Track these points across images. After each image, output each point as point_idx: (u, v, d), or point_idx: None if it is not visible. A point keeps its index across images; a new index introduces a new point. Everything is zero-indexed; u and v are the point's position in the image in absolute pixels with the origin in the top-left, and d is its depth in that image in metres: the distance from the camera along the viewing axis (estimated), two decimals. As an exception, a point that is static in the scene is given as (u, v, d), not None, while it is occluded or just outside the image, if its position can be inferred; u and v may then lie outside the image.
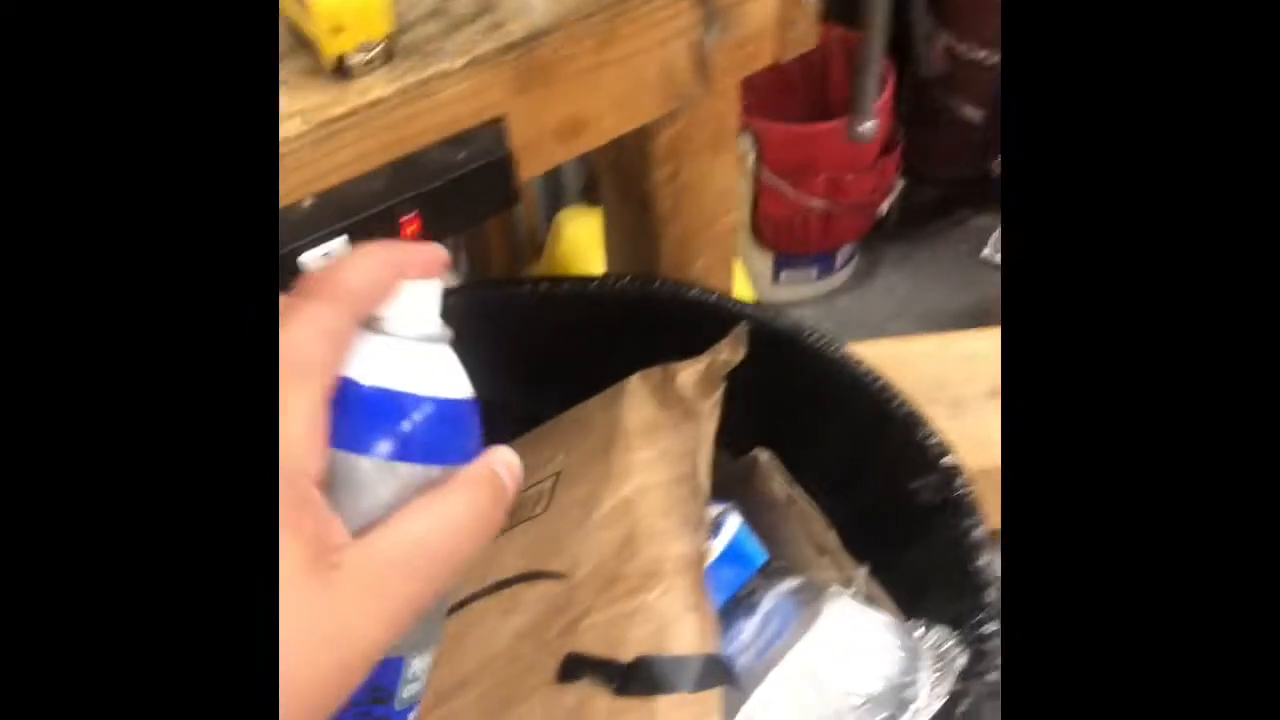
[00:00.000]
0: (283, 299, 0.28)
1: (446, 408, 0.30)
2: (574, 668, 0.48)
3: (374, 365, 0.29)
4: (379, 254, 0.30)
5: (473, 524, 0.28)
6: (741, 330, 0.66)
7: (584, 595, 0.52)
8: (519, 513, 0.62)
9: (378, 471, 0.28)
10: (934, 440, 0.62)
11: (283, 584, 0.25)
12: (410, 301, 0.30)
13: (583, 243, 1.33)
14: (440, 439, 0.29)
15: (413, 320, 0.30)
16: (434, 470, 0.29)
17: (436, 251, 0.30)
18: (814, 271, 1.62)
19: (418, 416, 0.29)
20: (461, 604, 0.57)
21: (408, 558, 0.27)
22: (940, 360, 1.19)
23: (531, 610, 0.53)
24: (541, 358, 0.74)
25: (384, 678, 0.29)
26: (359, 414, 0.28)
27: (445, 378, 0.30)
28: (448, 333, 0.31)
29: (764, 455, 0.66)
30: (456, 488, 0.28)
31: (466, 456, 0.30)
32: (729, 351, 0.66)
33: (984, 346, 1.23)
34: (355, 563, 0.26)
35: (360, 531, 0.27)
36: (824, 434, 0.69)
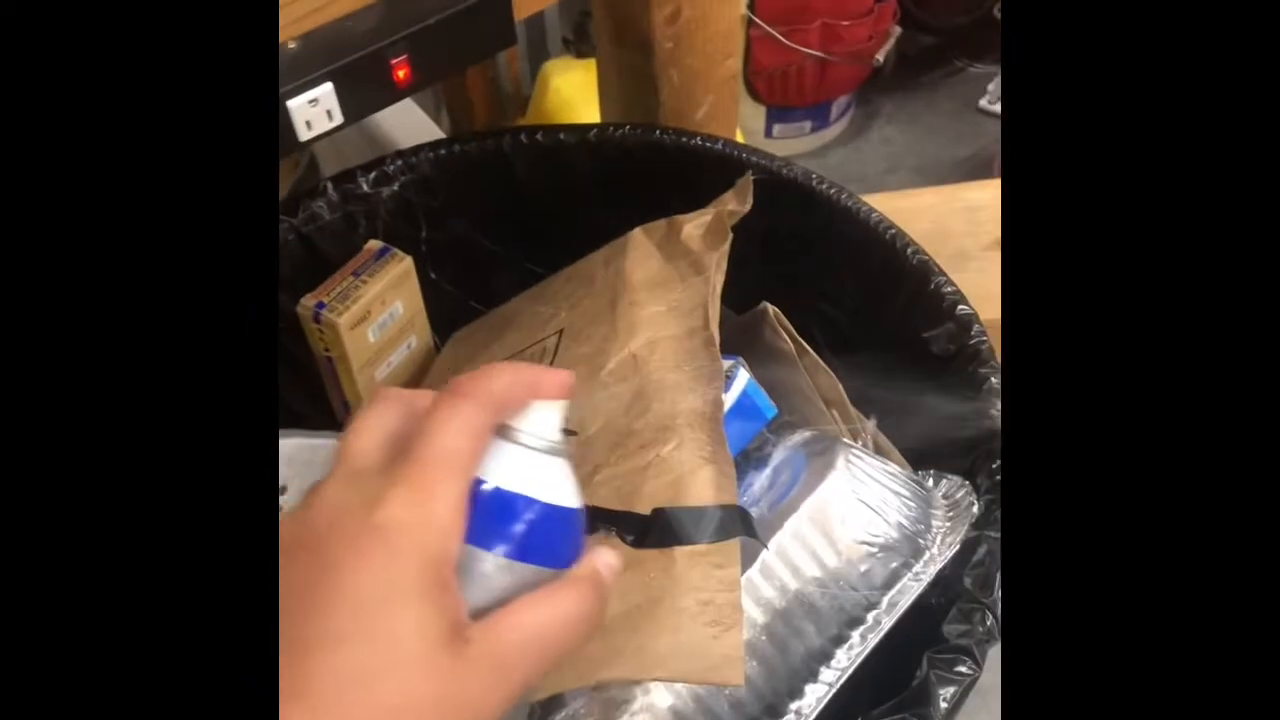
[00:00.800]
0: (436, 396, 0.32)
1: (562, 514, 0.33)
2: (589, 521, 0.47)
3: (504, 469, 0.32)
4: (520, 371, 0.33)
5: (581, 619, 0.32)
6: (748, 179, 0.64)
7: (596, 451, 0.51)
8: (523, 369, 0.61)
9: (496, 566, 0.31)
10: (948, 289, 0.60)
11: (421, 654, 0.28)
12: (539, 415, 0.33)
13: (571, 95, 1.29)
14: (554, 542, 0.33)
15: (540, 432, 0.33)
16: (545, 571, 0.32)
17: (566, 376, 0.34)
18: (808, 124, 1.58)
19: (536, 520, 0.32)
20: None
21: (526, 643, 0.30)
22: (941, 213, 1.17)
23: (541, 466, 0.52)
24: (538, 211, 0.72)
25: None
26: (486, 512, 0.32)
27: (562, 487, 0.34)
28: (567, 447, 0.34)
29: (771, 308, 0.65)
30: (568, 586, 0.32)
31: (573, 558, 0.34)
32: (735, 202, 0.63)
33: (985, 197, 1.20)
34: (484, 641, 0.29)
35: (478, 615, 0.30)
36: (832, 285, 0.67)
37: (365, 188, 0.67)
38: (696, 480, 0.46)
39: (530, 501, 0.32)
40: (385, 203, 0.68)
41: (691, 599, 0.42)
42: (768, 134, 1.58)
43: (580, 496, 0.34)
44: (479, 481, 0.32)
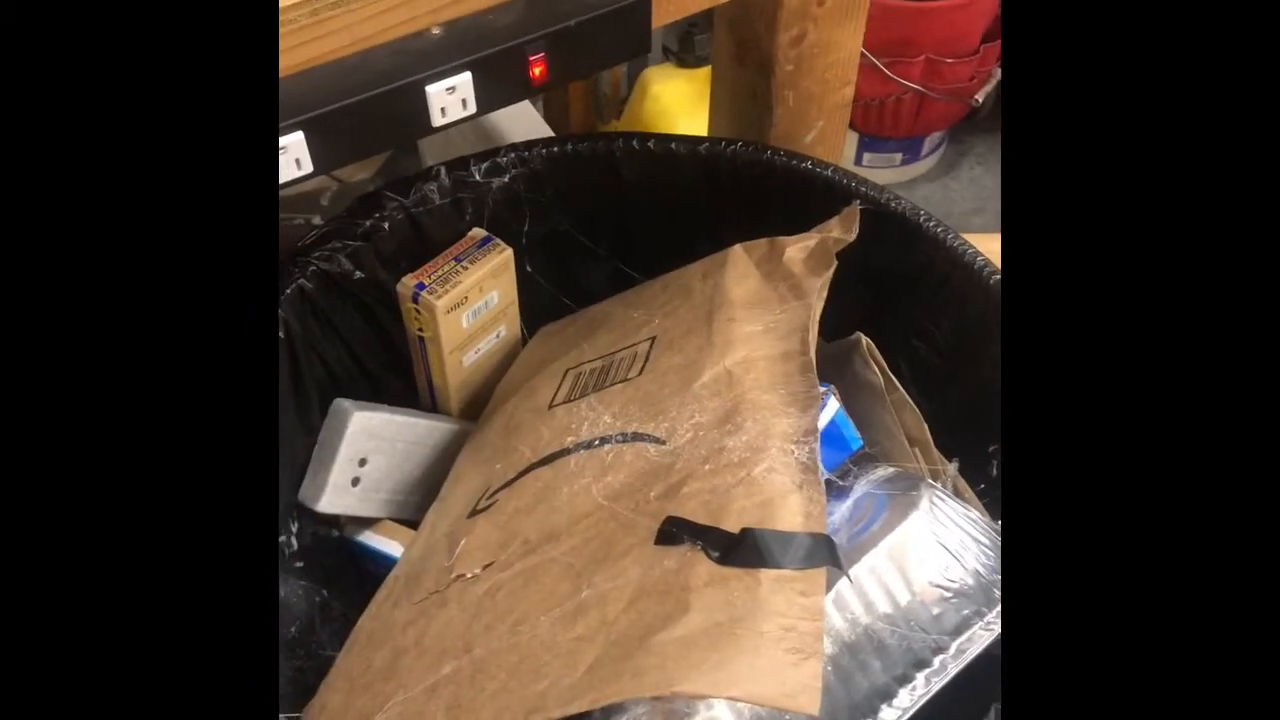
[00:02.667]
0: None
1: None
2: (674, 531, 0.47)
3: None
4: None
5: None
6: (855, 209, 0.64)
7: (685, 463, 0.51)
8: (613, 373, 0.62)
9: None
10: (1047, 341, 0.60)
11: None
12: None
13: (670, 103, 1.29)
14: None
15: None
16: None
17: None
18: (899, 156, 1.57)
19: None
20: (556, 455, 0.57)
21: None
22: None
23: (629, 471, 0.53)
24: (640, 216, 0.72)
25: None
26: None
27: None
28: None
29: (864, 338, 0.65)
30: None
31: None
32: (841, 229, 0.63)
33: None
34: None
35: None
36: (928, 325, 0.67)
37: (477, 176, 0.68)
38: (787, 505, 0.47)
39: None
40: (494, 193, 0.69)
41: (774, 623, 0.42)
42: (857, 161, 1.57)
43: None
44: None
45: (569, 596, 0.48)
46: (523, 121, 0.88)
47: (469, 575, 0.54)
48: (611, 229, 0.73)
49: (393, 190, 0.66)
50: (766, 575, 0.44)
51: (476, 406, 0.73)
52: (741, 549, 0.45)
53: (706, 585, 0.44)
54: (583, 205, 0.72)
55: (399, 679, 0.51)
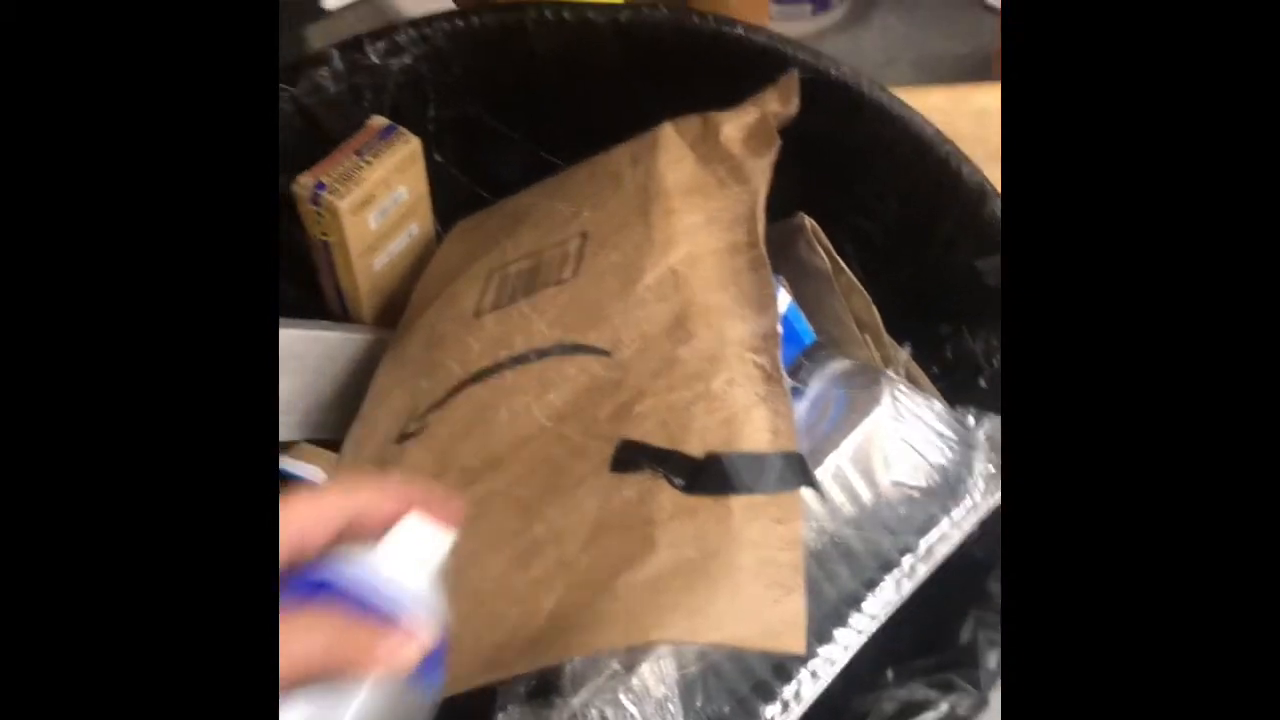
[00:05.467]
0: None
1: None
2: (631, 457, 0.43)
3: (363, 575, 0.31)
4: (399, 488, 0.33)
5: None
6: (793, 78, 0.59)
7: (634, 377, 0.47)
8: (543, 274, 0.56)
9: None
10: (1005, 216, 0.56)
11: None
12: (415, 535, 0.32)
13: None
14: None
15: (413, 551, 0.32)
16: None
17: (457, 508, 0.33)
18: (809, 7, 1.50)
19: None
20: (489, 371, 0.52)
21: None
22: (951, 116, 1.12)
23: (572, 387, 0.48)
24: (557, 95, 0.66)
25: None
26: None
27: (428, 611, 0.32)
28: (438, 577, 0.33)
29: (808, 220, 0.60)
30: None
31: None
32: (779, 103, 0.58)
33: (993, 102, 1.15)
34: None
35: None
36: (874, 200, 0.63)
37: (374, 58, 0.61)
38: (752, 421, 0.43)
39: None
40: (395, 76, 0.62)
41: (750, 556, 0.39)
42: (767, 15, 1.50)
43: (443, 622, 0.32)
44: (330, 579, 0.31)
45: (520, 533, 0.44)
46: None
47: (404, 509, 0.50)
48: (526, 111, 0.67)
49: (280, 80, 0.59)
50: (738, 503, 0.40)
51: (393, 313, 0.67)
52: (707, 474, 0.41)
53: (672, 518, 0.41)
54: (493, 86, 0.65)
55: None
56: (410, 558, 0.32)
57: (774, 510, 0.40)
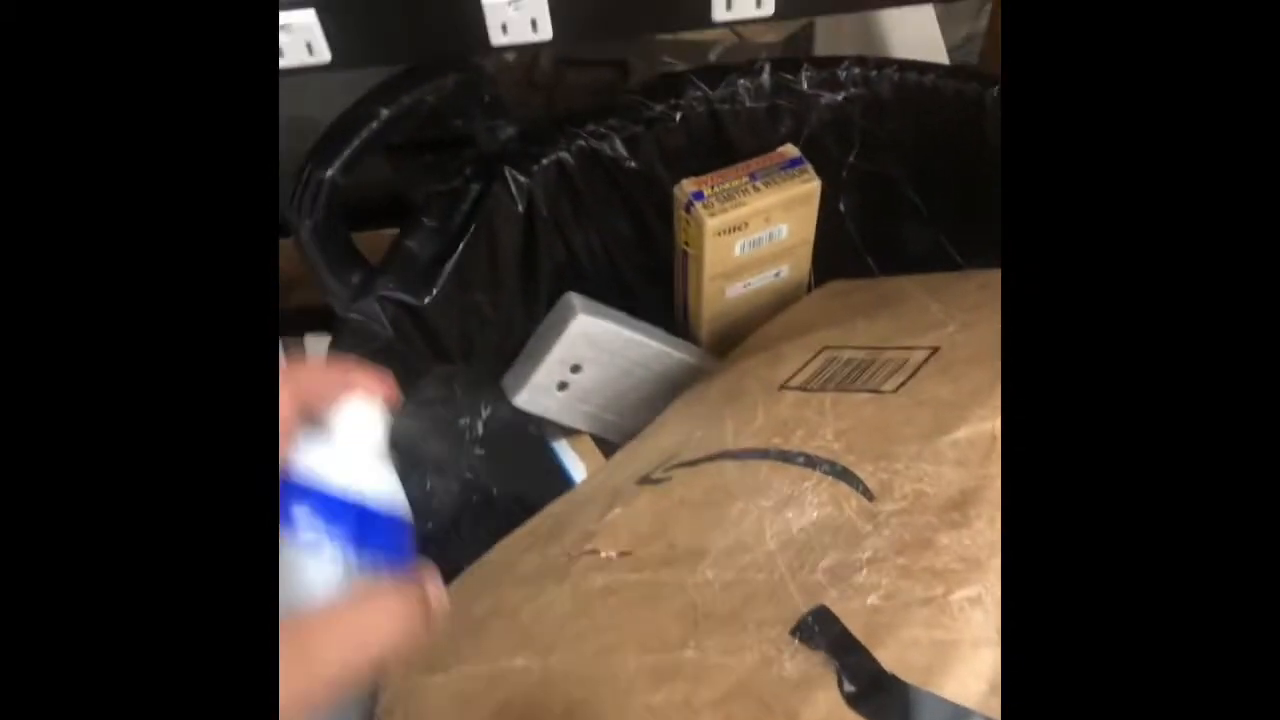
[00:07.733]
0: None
1: (378, 516, 0.32)
2: (814, 628, 0.36)
3: (319, 466, 0.32)
4: (333, 367, 0.34)
5: (398, 630, 0.29)
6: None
7: (879, 540, 0.39)
8: (869, 375, 0.49)
9: (306, 555, 0.30)
10: None
11: None
12: (359, 416, 0.33)
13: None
14: (370, 542, 0.31)
15: (360, 433, 0.33)
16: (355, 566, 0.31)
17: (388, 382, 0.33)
18: None
19: (351, 517, 0.31)
20: (753, 453, 0.47)
21: (333, 630, 0.28)
22: None
23: (813, 518, 0.41)
24: (992, 190, 0.57)
25: None
26: (294, 504, 0.31)
27: (380, 488, 0.32)
28: (388, 450, 0.33)
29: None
30: (394, 595, 0.29)
31: (395, 560, 0.32)
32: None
33: None
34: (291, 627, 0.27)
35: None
36: None
37: (804, 85, 0.56)
38: (972, 660, 0.34)
39: (338, 498, 0.31)
40: (820, 110, 0.57)
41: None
42: None
43: (403, 502, 0.33)
44: (291, 474, 0.31)
45: (672, 648, 0.38)
46: (915, 33, 0.72)
47: (602, 555, 0.46)
48: (952, 194, 0.59)
49: (699, 77, 0.56)
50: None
51: (729, 344, 0.63)
52: (885, 698, 0.33)
53: (821, 722, 0.33)
54: (926, 154, 0.58)
55: (478, 643, 0.44)
56: (363, 442, 0.33)
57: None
